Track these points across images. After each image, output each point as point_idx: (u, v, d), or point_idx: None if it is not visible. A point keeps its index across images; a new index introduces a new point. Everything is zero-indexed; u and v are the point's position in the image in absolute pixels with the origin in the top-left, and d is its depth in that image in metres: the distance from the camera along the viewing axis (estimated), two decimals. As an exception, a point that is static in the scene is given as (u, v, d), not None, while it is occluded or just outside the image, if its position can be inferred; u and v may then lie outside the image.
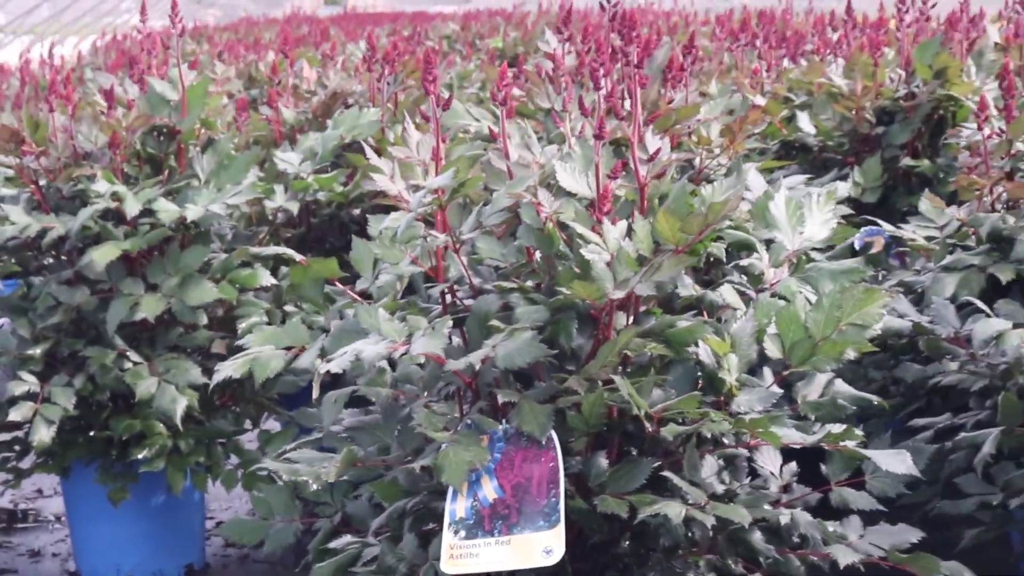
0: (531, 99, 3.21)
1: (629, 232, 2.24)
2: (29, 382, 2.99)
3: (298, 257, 2.70)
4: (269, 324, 3.09)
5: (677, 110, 3.02)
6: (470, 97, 6.68)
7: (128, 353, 3.04)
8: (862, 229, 3.66)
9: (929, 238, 3.19)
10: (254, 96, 6.80)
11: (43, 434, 2.93)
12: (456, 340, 2.30)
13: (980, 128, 2.86)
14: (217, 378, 2.23)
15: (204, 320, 3.06)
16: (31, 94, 6.01)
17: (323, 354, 2.23)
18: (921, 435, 2.54)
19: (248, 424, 3.30)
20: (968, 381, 2.52)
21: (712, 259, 2.48)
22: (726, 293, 2.34)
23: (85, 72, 10.43)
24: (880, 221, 3.36)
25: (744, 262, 2.46)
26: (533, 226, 2.28)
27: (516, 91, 3.33)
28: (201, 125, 3.24)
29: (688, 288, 2.35)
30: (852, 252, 3.55)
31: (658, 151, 2.33)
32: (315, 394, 2.10)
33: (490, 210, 2.27)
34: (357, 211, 3.56)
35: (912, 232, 3.21)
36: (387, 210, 2.42)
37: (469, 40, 12.43)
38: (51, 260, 3.25)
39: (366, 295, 2.43)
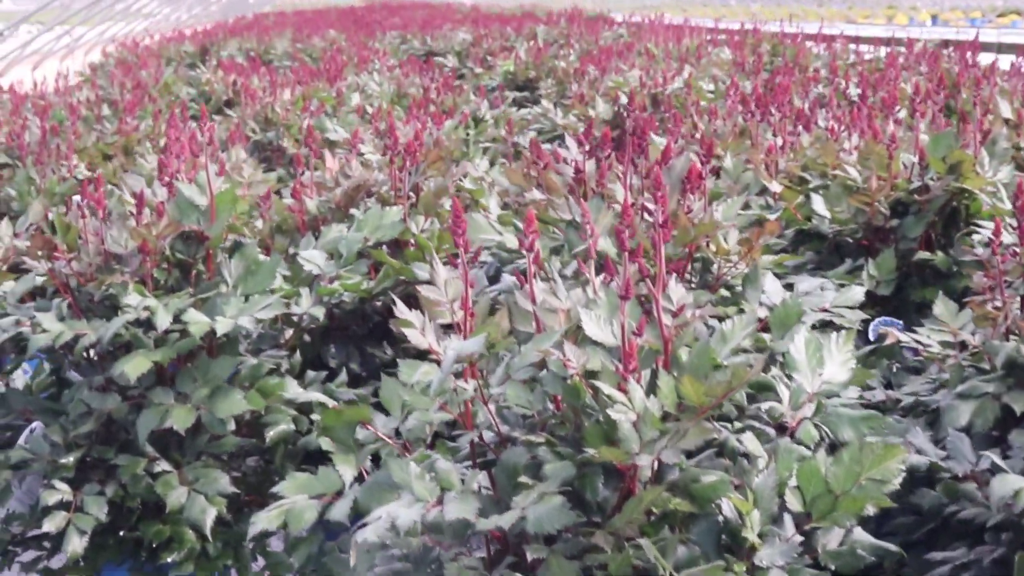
0: (551, 206, 3.26)
1: (653, 385, 2.31)
2: (62, 491, 3.05)
3: (330, 403, 2.77)
4: (297, 432, 3.16)
5: (697, 226, 3.08)
6: (487, 138, 6.74)
7: (158, 460, 3.11)
8: (876, 320, 3.72)
9: (944, 343, 3.25)
10: (270, 139, 6.87)
11: (76, 544, 3.00)
12: (483, 482, 2.37)
13: (994, 252, 2.91)
14: (252, 531, 2.29)
15: (232, 426, 3.12)
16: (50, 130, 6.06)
17: (356, 506, 2.30)
18: (938, 571, 2.60)
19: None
20: (984, 515, 2.58)
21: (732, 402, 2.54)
22: (748, 442, 2.40)
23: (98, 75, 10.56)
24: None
25: (764, 405, 2.52)
26: (559, 375, 2.34)
27: (536, 194, 3.40)
28: (228, 231, 3.30)
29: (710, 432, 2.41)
30: (866, 342, 3.63)
31: (682, 308, 2.38)
32: (352, 562, 2.16)
33: (518, 363, 2.34)
34: (380, 303, 3.62)
35: (927, 337, 3.27)
36: (419, 356, 2.49)
37: (480, 56, 12.45)
38: (83, 362, 3.31)
39: (395, 433, 2.50)
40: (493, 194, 3.95)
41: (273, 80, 7.73)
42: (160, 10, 19.18)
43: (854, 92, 6.43)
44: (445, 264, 3.54)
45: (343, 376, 3.32)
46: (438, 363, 2.42)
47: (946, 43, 22.25)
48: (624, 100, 6.64)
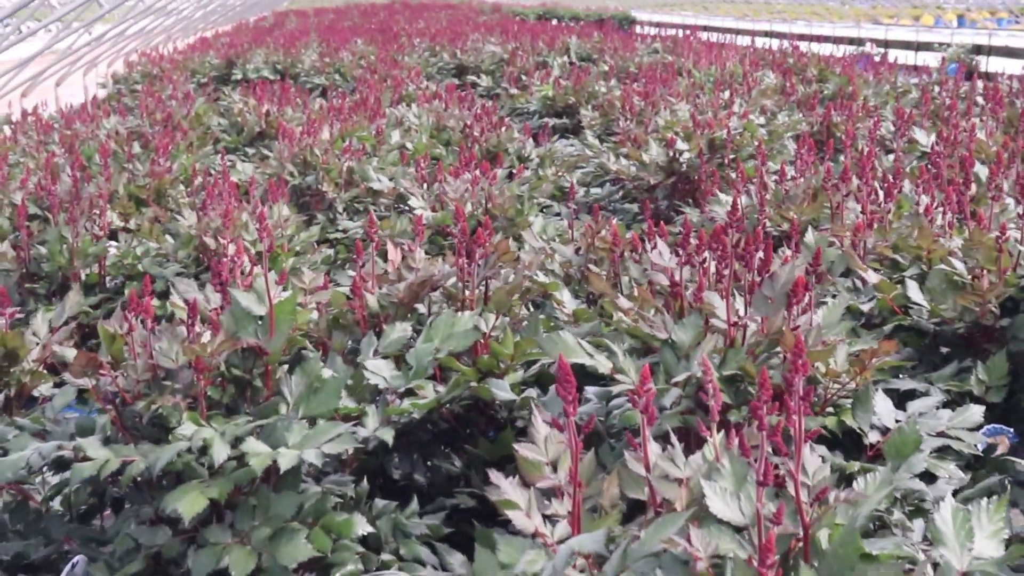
0: (643, 319, 2.97)
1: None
2: (107, 644, 2.78)
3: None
4: (364, 571, 2.88)
5: (811, 352, 2.79)
6: (542, 182, 6.46)
7: (213, 603, 2.83)
8: (985, 428, 3.43)
9: (1070, 469, 2.97)
10: (309, 183, 6.59)
11: None
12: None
13: None
14: None
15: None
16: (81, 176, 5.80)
17: None
18: None
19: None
20: None
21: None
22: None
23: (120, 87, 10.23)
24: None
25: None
26: (681, 561, 2.06)
27: (624, 303, 3.11)
28: (288, 345, 3.03)
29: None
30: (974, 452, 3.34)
31: (825, 491, 2.10)
32: None
33: (637, 552, 2.05)
34: (447, 409, 3.34)
35: (1051, 461, 2.98)
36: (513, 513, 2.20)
37: (515, 75, 12.16)
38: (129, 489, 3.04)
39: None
40: (564, 289, 3.65)
41: (308, 114, 7.44)
42: (182, 8, 18.90)
43: (923, 139, 6.12)
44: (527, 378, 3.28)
45: (414, 504, 3.04)
46: (543, 543, 2.14)
47: (978, 49, 21.96)
48: (680, 144, 6.33)
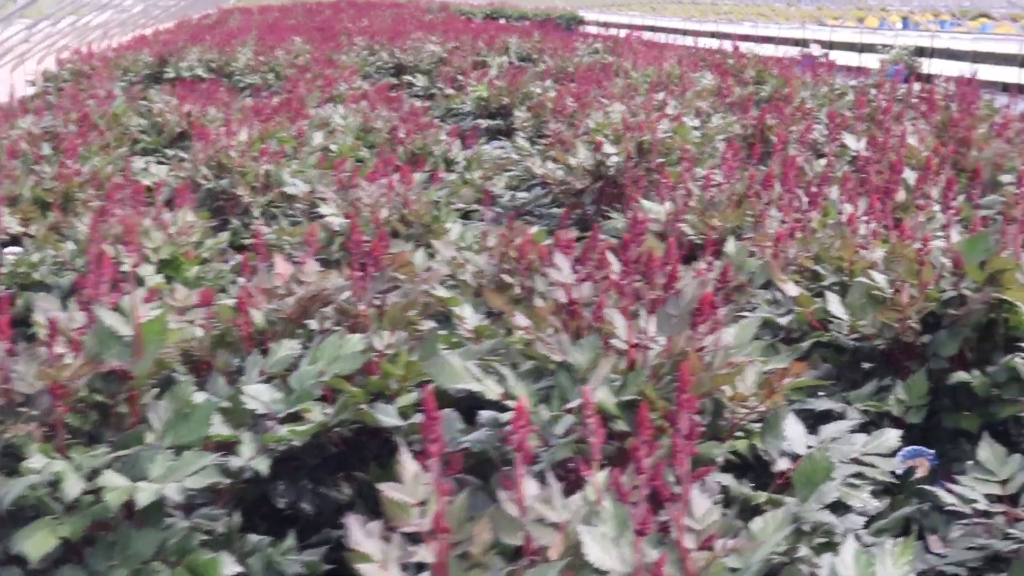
0: (539, 339, 2.77)
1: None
2: None
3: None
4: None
5: (714, 376, 2.60)
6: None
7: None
8: (904, 449, 3.25)
9: (991, 497, 2.79)
10: (224, 187, 6.35)
11: None
12: None
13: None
14: None
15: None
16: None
17: None
18: None
19: None
20: None
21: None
22: None
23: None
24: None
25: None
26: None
27: (521, 320, 2.91)
28: (157, 367, 2.80)
29: None
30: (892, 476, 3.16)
31: (710, 539, 1.90)
32: None
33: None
34: (336, 433, 3.13)
35: (970, 489, 2.80)
36: None
37: (451, 75, 11.95)
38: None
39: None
40: (466, 304, 3.45)
41: (228, 115, 7.20)
42: (120, 3, 18.52)
43: (853, 144, 5.94)
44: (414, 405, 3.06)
45: (291, 540, 2.82)
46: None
47: (920, 51, 21.93)
48: (607, 147, 6.14)
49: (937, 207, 4.39)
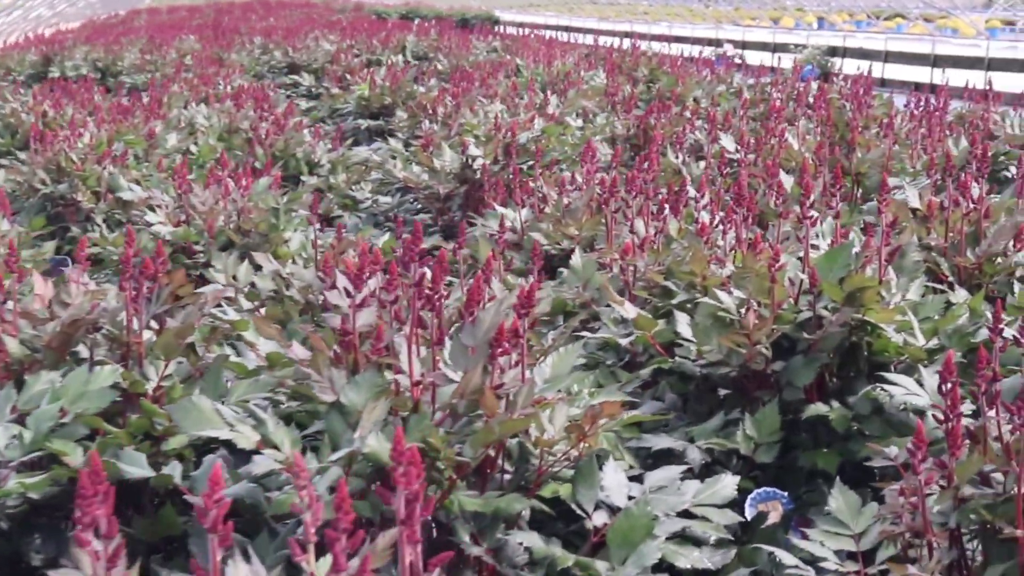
0: (314, 374, 2.35)
1: None
2: None
3: None
4: None
5: (504, 423, 2.20)
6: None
7: None
8: (754, 492, 2.87)
9: (842, 554, 2.41)
10: (63, 192, 5.89)
11: None
12: None
13: (917, 472, 2.06)
14: None
15: None
16: None
17: None
18: None
19: None
20: None
21: None
22: None
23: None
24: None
25: None
26: None
27: (299, 352, 2.49)
28: None
29: None
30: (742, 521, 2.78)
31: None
32: None
33: None
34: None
35: (819, 544, 2.42)
36: None
37: (339, 74, 11.51)
38: None
39: None
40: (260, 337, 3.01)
41: (74, 117, 6.70)
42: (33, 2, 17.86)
43: (730, 145, 5.56)
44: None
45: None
46: None
47: (833, 51, 21.80)
48: (472, 150, 5.73)
49: (814, 214, 4.02)
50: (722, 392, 3.13)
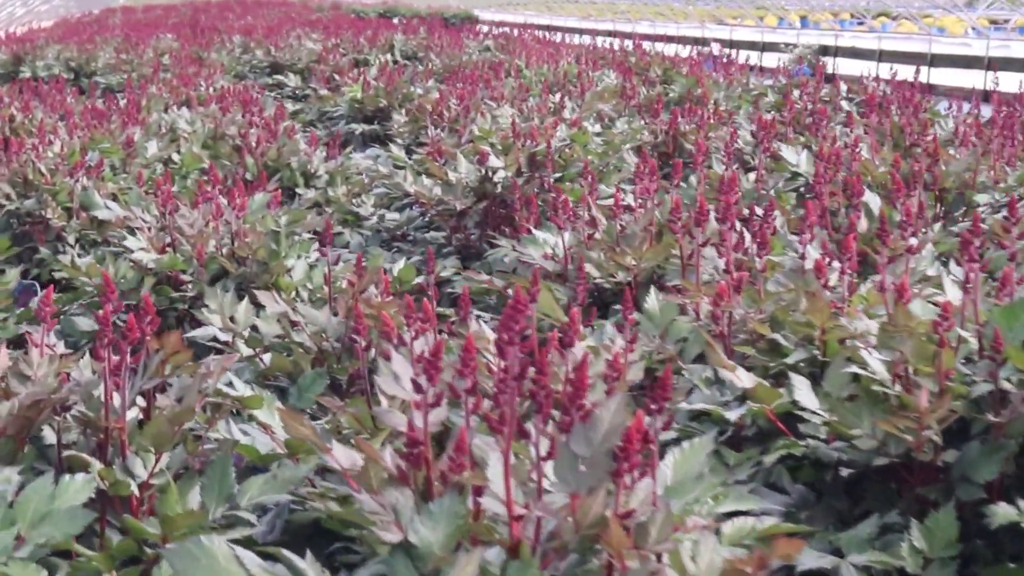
0: (369, 498, 1.68)
1: None
2: None
3: None
4: None
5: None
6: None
7: None
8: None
9: None
10: (30, 208, 5.21)
11: None
12: None
13: None
14: None
15: None
16: None
17: None
18: None
19: None
20: None
21: None
22: None
23: None
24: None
25: None
26: None
27: (343, 456, 1.82)
28: None
29: None
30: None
31: None
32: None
33: None
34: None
35: None
36: None
37: (327, 75, 10.83)
38: None
39: None
40: (271, 404, 2.35)
41: (43, 122, 5.99)
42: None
43: (791, 156, 4.90)
44: None
45: None
46: None
47: (824, 50, 21.25)
48: (494, 160, 5.06)
49: (914, 240, 3.37)
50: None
